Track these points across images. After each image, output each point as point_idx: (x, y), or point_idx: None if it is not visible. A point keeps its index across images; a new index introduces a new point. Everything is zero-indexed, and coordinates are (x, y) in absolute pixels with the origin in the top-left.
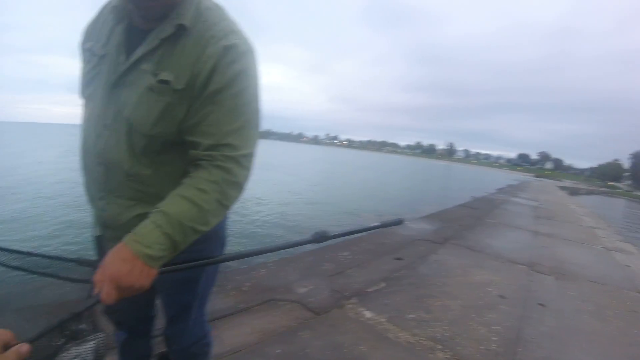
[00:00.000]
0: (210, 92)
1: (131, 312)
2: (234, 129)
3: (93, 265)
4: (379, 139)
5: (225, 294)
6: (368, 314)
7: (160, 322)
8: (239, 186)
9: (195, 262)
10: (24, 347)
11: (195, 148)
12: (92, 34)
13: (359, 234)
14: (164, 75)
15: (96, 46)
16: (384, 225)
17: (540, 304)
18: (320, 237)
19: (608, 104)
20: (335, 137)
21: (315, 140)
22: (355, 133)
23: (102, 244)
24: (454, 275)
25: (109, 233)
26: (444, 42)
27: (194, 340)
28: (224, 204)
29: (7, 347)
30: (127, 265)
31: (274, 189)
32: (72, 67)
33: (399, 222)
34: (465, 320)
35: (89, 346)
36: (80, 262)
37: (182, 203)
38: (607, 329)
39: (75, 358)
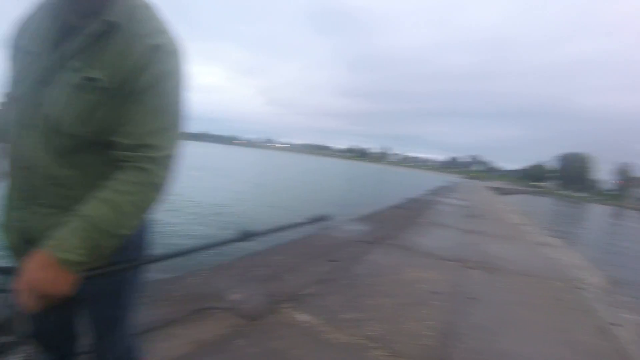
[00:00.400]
0: (134, 91)
1: (56, 331)
2: (155, 130)
3: (12, 273)
4: (317, 142)
5: (156, 305)
6: (303, 317)
7: (87, 340)
8: (158, 188)
9: (115, 266)
10: None
11: (116, 149)
12: (26, 31)
13: (284, 231)
14: (92, 73)
15: (29, 44)
16: (310, 222)
17: (471, 298)
18: (245, 236)
19: (536, 110)
20: (270, 140)
21: (250, 143)
22: (294, 136)
23: (18, 257)
24: (388, 274)
25: (26, 245)
26: (383, 49)
27: (123, 356)
28: (143, 206)
29: None
30: (46, 271)
31: (204, 191)
32: None
33: (324, 219)
34: (399, 317)
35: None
36: (9, 267)
37: (100, 206)
38: (536, 318)
39: None
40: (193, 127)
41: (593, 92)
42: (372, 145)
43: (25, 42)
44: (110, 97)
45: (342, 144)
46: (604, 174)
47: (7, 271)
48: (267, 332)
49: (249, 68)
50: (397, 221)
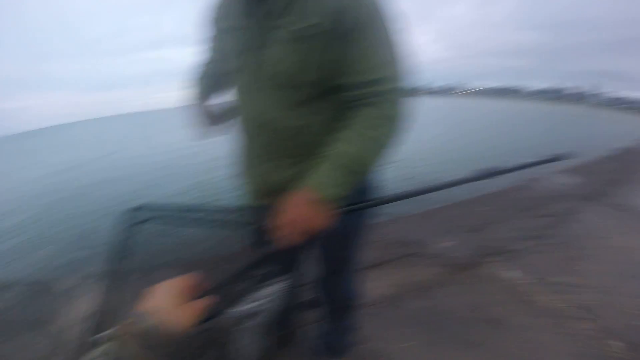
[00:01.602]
0: (347, 30)
1: (289, 260)
2: (378, 64)
3: (268, 212)
4: (506, 84)
5: (365, 247)
6: (508, 274)
7: (314, 273)
8: (395, 120)
9: (362, 204)
10: (210, 300)
11: (346, 90)
12: (221, 13)
13: (520, 170)
14: (302, 23)
15: (231, 22)
16: (544, 161)
17: None
18: (486, 174)
19: None
20: (453, 88)
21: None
22: (479, 80)
23: (259, 210)
24: (600, 237)
25: (266, 197)
26: None
27: (346, 293)
28: (386, 140)
29: (196, 294)
30: (307, 208)
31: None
32: (177, 57)
33: (559, 158)
34: (611, 289)
35: (276, 288)
36: (255, 209)
37: (349, 145)
38: None
39: (262, 300)
40: None
41: None
42: (570, 85)
43: (225, 22)
44: (325, 42)
45: (534, 85)
46: None
47: (264, 210)
48: (470, 285)
49: (422, 13)
50: (608, 175)
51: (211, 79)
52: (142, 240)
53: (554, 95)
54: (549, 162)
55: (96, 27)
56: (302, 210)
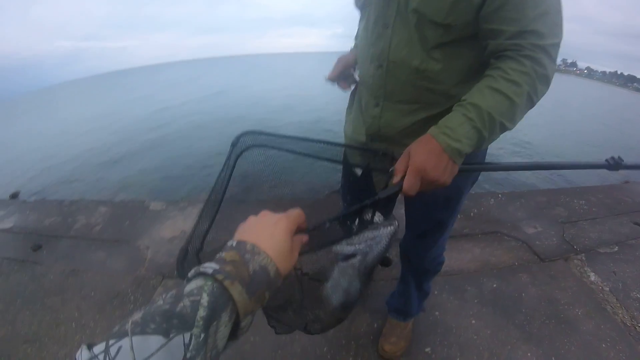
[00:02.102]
0: None
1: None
2: (539, 14)
3: (390, 155)
4: (626, 71)
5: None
6: (592, 277)
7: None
8: (548, 80)
9: (484, 166)
10: (304, 238)
11: (495, 37)
12: None
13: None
14: None
15: None
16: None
17: None
18: (615, 164)
19: None
20: (573, 64)
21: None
22: (594, 61)
23: (370, 153)
24: None
25: (376, 143)
26: None
27: (433, 256)
28: (533, 99)
29: (297, 230)
30: (434, 158)
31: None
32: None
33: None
34: None
35: (384, 231)
36: (375, 152)
37: (493, 95)
38: None
39: (370, 240)
40: None
41: None
42: None
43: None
44: None
45: None
46: None
47: (385, 154)
48: (553, 278)
49: None
50: None
51: None
52: (245, 167)
53: None
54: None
55: None
56: (428, 159)
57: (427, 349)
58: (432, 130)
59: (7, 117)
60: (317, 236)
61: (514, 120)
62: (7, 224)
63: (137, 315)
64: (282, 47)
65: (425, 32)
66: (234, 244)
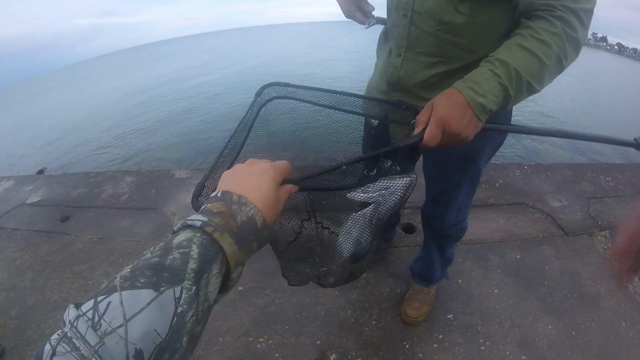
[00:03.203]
0: None
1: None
2: None
3: (413, 108)
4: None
5: (478, 186)
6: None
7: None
8: (579, 44)
9: (509, 127)
10: (294, 189)
11: None
12: None
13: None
14: None
15: None
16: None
17: None
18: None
19: None
20: (604, 39)
21: None
22: (625, 37)
23: (392, 104)
24: None
25: (396, 94)
26: None
27: (453, 221)
28: (563, 61)
29: (285, 181)
30: (458, 111)
31: None
32: None
33: None
34: None
35: (399, 182)
36: (396, 104)
37: (522, 53)
38: None
39: (384, 190)
40: None
41: None
42: None
43: None
44: None
45: None
46: None
47: (407, 106)
48: (576, 252)
49: None
50: None
51: None
52: (267, 118)
53: None
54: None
55: None
56: (452, 111)
57: (450, 316)
58: (458, 83)
59: (35, 94)
60: (325, 181)
61: (542, 82)
62: (35, 197)
63: (126, 270)
64: (302, 17)
65: None
66: (219, 194)
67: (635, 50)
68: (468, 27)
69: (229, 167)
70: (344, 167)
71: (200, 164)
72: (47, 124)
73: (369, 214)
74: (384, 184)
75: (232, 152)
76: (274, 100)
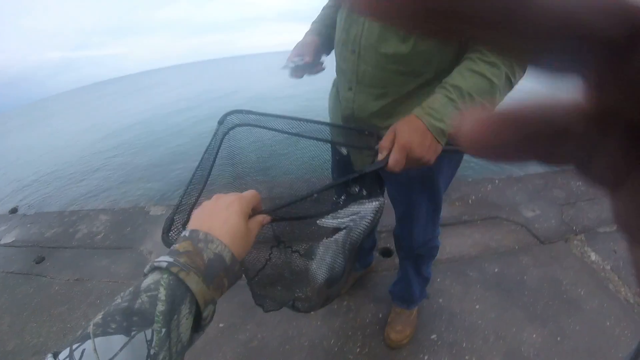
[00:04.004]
0: None
1: (378, 185)
2: None
3: (375, 134)
4: None
5: (450, 203)
6: (593, 257)
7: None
8: (521, 66)
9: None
10: (266, 219)
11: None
12: None
13: None
14: None
15: None
16: None
17: None
18: None
19: None
20: None
21: None
22: None
23: (354, 131)
24: None
25: (352, 124)
26: None
27: (423, 240)
28: (512, 79)
29: (255, 210)
30: (419, 136)
31: None
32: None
33: None
34: None
35: (369, 206)
36: (361, 131)
37: (474, 77)
38: None
39: (355, 215)
40: None
41: None
42: None
43: None
44: None
45: None
46: None
47: (370, 132)
48: (554, 259)
49: None
50: None
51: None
52: (230, 145)
53: None
54: None
55: None
56: (414, 136)
57: (433, 336)
58: (417, 111)
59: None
60: (296, 209)
61: (494, 101)
62: (9, 238)
63: (98, 317)
64: (273, 46)
65: None
66: (187, 233)
67: None
68: (414, 55)
69: (197, 200)
70: (315, 195)
71: (174, 192)
72: (17, 162)
73: (341, 240)
74: (354, 209)
75: (199, 184)
76: (239, 130)
